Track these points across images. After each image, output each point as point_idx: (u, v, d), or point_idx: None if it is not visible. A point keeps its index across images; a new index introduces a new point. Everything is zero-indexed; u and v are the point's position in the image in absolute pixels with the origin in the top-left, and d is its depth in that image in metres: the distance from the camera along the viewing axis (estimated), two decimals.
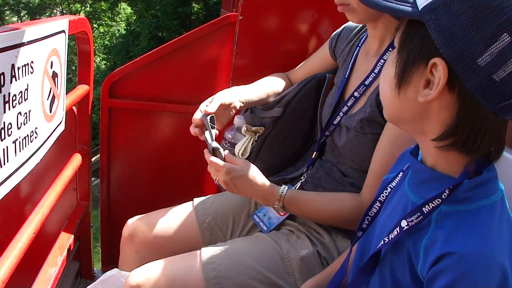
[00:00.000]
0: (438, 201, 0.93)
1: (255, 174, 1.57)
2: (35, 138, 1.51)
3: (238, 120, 1.96)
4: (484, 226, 0.90)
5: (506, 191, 1.21)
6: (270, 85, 1.94)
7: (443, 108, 0.89)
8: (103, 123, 2.53)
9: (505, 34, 0.79)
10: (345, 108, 1.66)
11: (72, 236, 2.17)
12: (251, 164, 1.58)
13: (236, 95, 1.74)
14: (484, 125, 0.87)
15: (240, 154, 1.87)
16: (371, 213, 1.20)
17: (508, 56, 0.79)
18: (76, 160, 2.17)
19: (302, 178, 1.79)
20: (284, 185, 1.59)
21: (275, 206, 1.58)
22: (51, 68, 1.59)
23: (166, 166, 2.71)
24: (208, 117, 1.61)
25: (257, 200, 1.59)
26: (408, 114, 0.96)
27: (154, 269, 1.56)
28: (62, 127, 1.80)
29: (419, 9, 0.86)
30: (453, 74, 0.84)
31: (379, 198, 1.18)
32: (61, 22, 1.67)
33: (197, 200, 1.91)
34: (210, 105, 1.63)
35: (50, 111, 1.63)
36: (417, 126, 0.96)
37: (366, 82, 1.61)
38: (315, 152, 1.79)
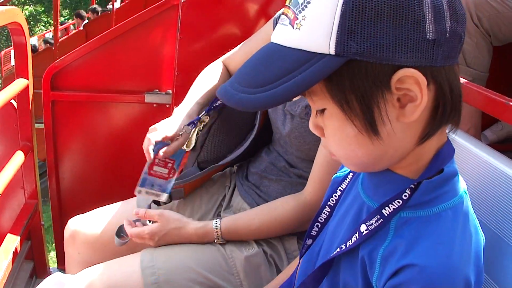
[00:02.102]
0: (399, 202, 0.82)
1: (177, 223, 1.54)
2: None
3: None
4: (447, 233, 0.80)
5: (470, 187, 1.15)
6: (217, 86, 1.79)
7: (428, 105, 0.76)
8: (47, 117, 2.44)
9: None
10: None
11: (19, 237, 2.08)
12: (168, 214, 1.55)
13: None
14: (457, 75, 0.79)
15: (185, 146, 1.79)
16: (321, 219, 1.09)
17: (440, 7, 0.70)
18: (19, 157, 2.08)
19: (245, 169, 1.74)
20: (214, 219, 1.55)
21: (216, 242, 1.54)
22: None
23: (115, 159, 2.64)
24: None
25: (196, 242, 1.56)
26: (392, 147, 0.80)
27: (92, 276, 1.48)
28: None
29: (332, 52, 0.71)
30: (421, 70, 0.72)
31: (329, 203, 1.07)
32: None
33: (140, 196, 1.83)
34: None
35: None
36: (400, 153, 0.82)
37: None
38: (252, 136, 1.72)
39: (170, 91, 2.48)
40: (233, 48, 1.92)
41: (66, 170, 2.62)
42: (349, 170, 1.06)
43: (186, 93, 1.91)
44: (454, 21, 0.73)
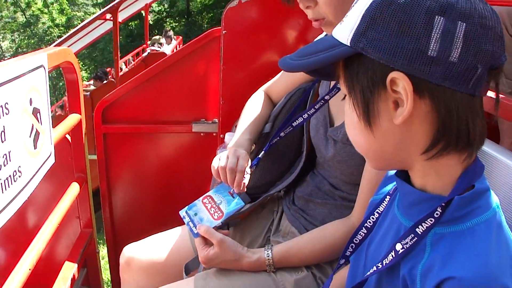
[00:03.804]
0: (431, 220, 0.88)
1: (234, 255, 1.55)
2: (19, 177, 1.50)
3: (228, 138, 1.93)
4: (482, 245, 0.84)
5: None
6: (261, 118, 1.90)
7: (423, 119, 0.85)
8: (99, 149, 2.54)
9: (436, 17, 0.79)
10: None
11: (76, 264, 2.17)
12: (227, 245, 1.55)
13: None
14: (468, 109, 0.83)
15: None
16: (356, 240, 1.15)
17: (451, 34, 0.79)
18: (74, 189, 2.17)
19: (292, 194, 1.78)
20: (266, 249, 1.57)
21: (268, 271, 1.56)
22: (31, 105, 1.58)
23: (165, 187, 2.72)
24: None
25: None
26: (390, 146, 0.91)
27: None
28: (51, 161, 1.79)
29: (348, 44, 0.86)
30: (415, 79, 0.81)
31: (366, 224, 1.13)
32: (39, 57, 1.67)
33: None
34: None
35: (35, 148, 1.63)
36: (402, 154, 0.91)
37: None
38: (301, 163, 1.77)
39: (217, 120, 2.55)
40: (274, 76, 1.99)
41: (119, 199, 2.71)
42: (386, 193, 1.11)
43: (232, 121, 1.98)
44: (466, 51, 0.80)
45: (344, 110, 0.97)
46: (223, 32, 2.20)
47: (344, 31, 0.88)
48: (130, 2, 9.01)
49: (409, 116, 0.84)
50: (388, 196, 1.09)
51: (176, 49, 11.72)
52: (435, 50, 0.79)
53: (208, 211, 1.65)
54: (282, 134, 1.72)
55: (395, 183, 1.08)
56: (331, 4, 1.41)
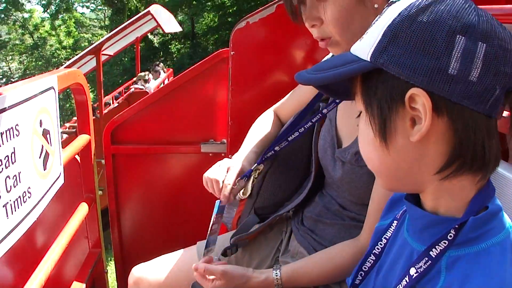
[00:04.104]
0: (445, 243, 0.87)
1: (241, 279, 1.54)
2: (29, 197, 1.51)
3: None
4: (498, 267, 0.83)
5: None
6: (270, 135, 1.91)
7: (440, 137, 0.85)
8: (108, 169, 2.55)
9: (458, 36, 0.79)
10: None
11: (84, 284, 2.17)
12: (232, 272, 1.54)
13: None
14: (485, 130, 0.83)
15: (241, 193, 1.84)
16: (365, 268, 1.13)
17: (472, 53, 0.79)
18: (83, 209, 2.18)
19: (300, 214, 1.77)
20: (274, 269, 1.56)
21: None
22: (41, 126, 1.59)
23: (174, 208, 2.72)
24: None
25: None
26: (404, 164, 0.90)
27: None
28: (61, 181, 1.80)
29: (368, 59, 0.86)
30: (434, 97, 0.81)
31: (374, 251, 1.12)
32: (49, 79, 1.68)
33: (201, 244, 1.89)
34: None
35: (44, 169, 1.64)
36: (416, 174, 0.91)
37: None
38: (309, 184, 1.77)
39: (225, 141, 2.56)
40: (283, 96, 1.99)
41: (127, 220, 2.71)
42: (392, 217, 1.10)
43: (241, 141, 1.98)
44: (486, 72, 0.81)
45: (359, 127, 0.97)
46: (231, 53, 2.21)
47: (364, 47, 0.88)
48: (117, 39, 8.78)
49: (426, 134, 0.84)
50: (395, 221, 1.09)
51: (164, 83, 11.30)
52: (455, 69, 0.80)
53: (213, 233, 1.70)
54: (277, 148, 1.73)
55: (403, 207, 1.07)
56: (337, 23, 1.40)
